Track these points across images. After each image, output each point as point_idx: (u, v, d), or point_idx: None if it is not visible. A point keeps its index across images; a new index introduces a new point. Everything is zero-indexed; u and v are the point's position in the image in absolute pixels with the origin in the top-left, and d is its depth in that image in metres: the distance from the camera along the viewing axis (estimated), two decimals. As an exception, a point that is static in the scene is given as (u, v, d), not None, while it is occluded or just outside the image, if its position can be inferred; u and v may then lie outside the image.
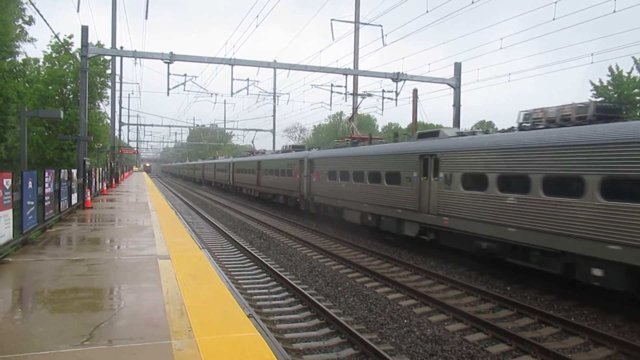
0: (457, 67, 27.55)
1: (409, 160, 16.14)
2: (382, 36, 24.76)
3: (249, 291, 11.43)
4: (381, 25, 25.71)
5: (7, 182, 8.22)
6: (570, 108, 11.92)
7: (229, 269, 13.65)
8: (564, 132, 10.94)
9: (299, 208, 26.47)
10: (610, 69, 32.32)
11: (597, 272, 9.76)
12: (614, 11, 15.83)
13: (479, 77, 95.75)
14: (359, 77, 31.63)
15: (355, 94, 32.52)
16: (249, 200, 38.15)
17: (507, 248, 12.12)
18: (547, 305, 10.75)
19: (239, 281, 12.36)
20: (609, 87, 32.46)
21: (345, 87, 28.13)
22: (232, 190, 44.84)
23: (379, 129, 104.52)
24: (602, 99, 32.59)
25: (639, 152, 9.02)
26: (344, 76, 27.42)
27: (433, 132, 16.64)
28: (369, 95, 29.24)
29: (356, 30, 33.39)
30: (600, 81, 33.02)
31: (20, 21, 28.63)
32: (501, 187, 12.21)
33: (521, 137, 12.13)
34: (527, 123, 13.08)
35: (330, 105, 30.35)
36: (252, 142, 68.32)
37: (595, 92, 33.11)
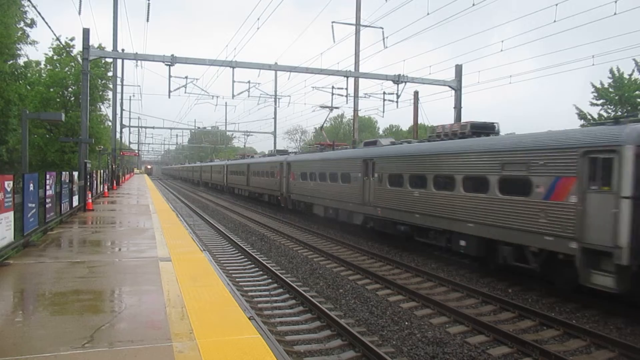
0: (458, 69, 27.56)
1: (356, 164, 20.31)
2: (383, 38, 24.78)
3: (250, 293, 11.42)
4: (382, 28, 25.77)
5: (9, 185, 8.22)
6: (457, 125, 15.83)
7: (230, 271, 13.64)
8: (445, 144, 15.09)
9: (280, 205, 30.79)
10: (611, 71, 32.30)
11: (462, 242, 13.77)
12: (615, 13, 15.82)
13: (481, 79, 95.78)
14: (360, 79, 31.63)
15: (356, 96, 32.54)
16: (250, 202, 38.16)
17: (415, 230, 16.23)
18: (549, 308, 10.73)
19: (240, 283, 12.35)
20: (610, 89, 32.44)
21: (347, 89, 28.16)
22: (226, 191, 49.90)
23: (380, 131, 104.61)
24: (603, 100, 32.60)
25: (479, 158, 13.20)
26: (345, 78, 27.45)
27: (373, 142, 21.22)
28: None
29: (357, 32, 33.42)
30: (602, 83, 33.00)
31: (22, 24, 28.71)
32: (411, 184, 16.31)
33: (422, 146, 16.51)
34: (432, 135, 17.02)
35: (331, 107, 30.37)
36: (244, 145, 68.53)
37: (596, 94, 33.09)
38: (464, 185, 13.60)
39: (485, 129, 14.92)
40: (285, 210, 29.15)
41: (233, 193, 45.83)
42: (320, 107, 30.34)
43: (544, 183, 10.99)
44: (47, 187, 11.84)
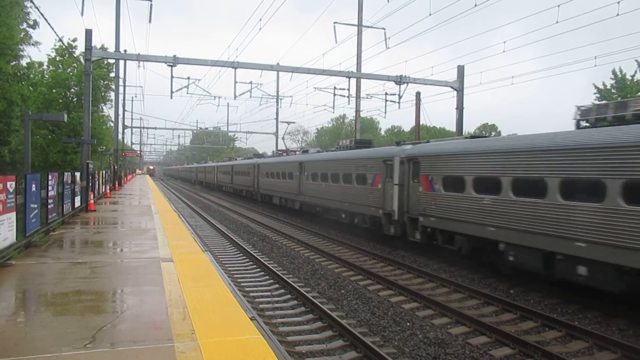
0: (460, 70, 27.54)
1: (294, 165, 28.04)
2: (385, 39, 24.80)
3: (251, 294, 11.43)
4: (384, 28, 25.77)
5: (11, 185, 8.24)
6: (348, 140, 24.95)
7: (232, 272, 13.65)
8: (338, 153, 23.84)
9: (253, 198, 37.29)
10: (613, 72, 32.28)
11: (343, 215, 21.68)
12: (617, 14, 15.81)
13: (483, 80, 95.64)
14: (362, 80, 31.65)
15: (357, 97, 32.55)
16: (252, 204, 38.19)
17: (333, 212, 22.90)
18: (551, 309, 10.71)
19: (242, 284, 12.36)
20: (612, 90, 32.40)
21: (348, 89, 28.17)
22: (216, 188, 54.69)
23: (382, 132, 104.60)
24: (605, 102, 32.52)
25: (348, 162, 21.03)
26: (347, 79, 27.46)
27: (306, 150, 31.39)
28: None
29: (359, 33, 33.43)
30: (604, 84, 32.97)
31: (25, 25, 28.75)
32: (322, 179, 23.69)
33: (328, 154, 25.26)
34: (338, 147, 25.53)
35: (333, 108, 30.41)
36: (232, 147, 68.72)
37: (598, 96, 33.05)
38: (344, 179, 21.44)
39: (363, 144, 23.61)
40: (292, 210, 31.43)
41: (222, 190, 52.29)
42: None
43: (370, 177, 18.99)
44: (49, 187, 11.86)
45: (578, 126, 12.24)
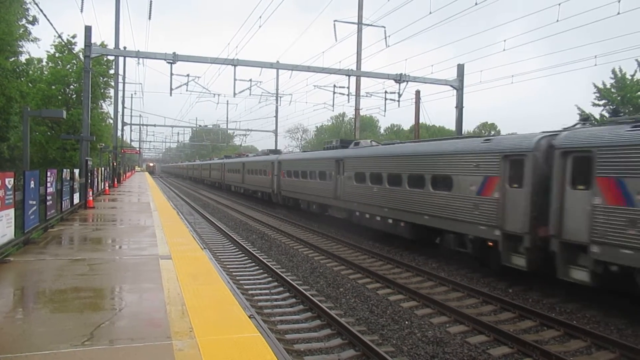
0: (460, 68, 27.52)
1: (268, 164, 32.68)
2: (385, 37, 24.75)
3: (250, 292, 11.42)
4: (384, 27, 25.68)
5: (10, 182, 8.22)
6: (335, 140, 26.26)
7: (231, 270, 13.64)
8: (323, 153, 25.46)
9: (271, 201, 34.60)
10: (613, 71, 32.22)
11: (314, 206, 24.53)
12: (618, 13, 15.79)
13: (483, 79, 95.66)
14: (362, 78, 31.62)
15: (357, 95, 32.51)
16: (251, 201, 38.17)
17: (301, 200, 26.44)
18: (549, 308, 10.71)
19: (241, 282, 12.35)
20: (612, 90, 32.36)
21: (348, 88, 28.14)
22: (224, 188, 52.67)
23: (382, 130, 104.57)
24: (605, 101, 32.53)
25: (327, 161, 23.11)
26: (347, 77, 27.42)
27: (276, 151, 38.67)
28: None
29: (359, 31, 33.38)
30: (604, 84, 32.92)
31: (24, 21, 28.68)
32: (302, 176, 26.52)
33: (312, 154, 28.58)
34: (325, 147, 27.34)
35: (333, 106, 30.36)
36: (241, 144, 69.28)
37: (598, 95, 33.01)
38: (318, 175, 24.00)
39: (348, 143, 23.72)
40: (277, 206, 32.44)
41: (231, 191, 48.74)
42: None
43: (326, 171, 22.90)
44: (48, 184, 11.84)
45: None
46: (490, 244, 12.58)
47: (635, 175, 9.16)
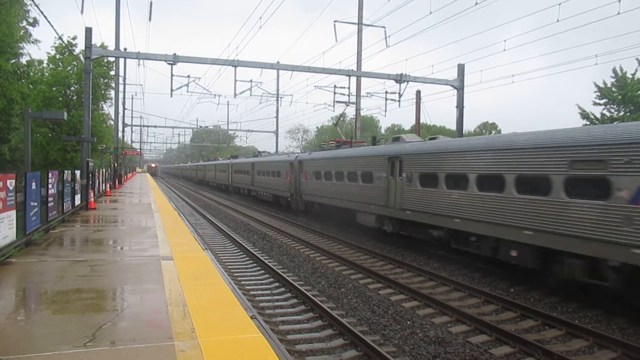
0: (461, 68, 27.52)
1: (286, 165, 29.82)
2: (386, 37, 24.74)
3: (251, 292, 11.42)
4: (384, 27, 25.67)
5: (11, 183, 8.23)
6: (333, 140, 28.14)
7: (232, 270, 13.65)
8: (332, 152, 24.76)
9: (290, 207, 30.22)
10: (614, 70, 32.20)
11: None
12: (618, 13, 15.78)
13: (484, 79, 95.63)
14: (362, 79, 31.62)
15: (358, 95, 32.51)
16: (252, 202, 38.18)
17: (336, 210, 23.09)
18: (551, 307, 10.70)
19: (242, 282, 12.35)
20: (613, 89, 32.33)
21: (349, 88, 28.15)
22: (231, 191, 48.85)
23: (382, 130, 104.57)
24: (606, 100, 32.51)
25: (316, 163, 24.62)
26: (347, 77, 27.43)
27: (260, 153, 42.36)
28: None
29: (359, 31, 33.37)
30: (605, 83, 32.89)
31: (25, 22, 28.74)
32: (329, 177, 25.35)
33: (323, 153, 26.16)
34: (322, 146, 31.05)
35: (334, 106, 30.36)
36: (253, 146, 68.60)
37: (599, 94, 32.99)
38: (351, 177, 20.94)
39: (344, 144, 26.07)
40: (288, 209, 29.87)
41: (239, 193, 45.55)
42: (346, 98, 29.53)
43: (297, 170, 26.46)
44: (50, 186, 11.85)
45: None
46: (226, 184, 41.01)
47: (416, 170, 15.95)
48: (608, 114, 32.44)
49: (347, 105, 30.05)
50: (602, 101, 32.93)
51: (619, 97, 31.84)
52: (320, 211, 24.74)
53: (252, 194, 39.20)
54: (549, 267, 11.21)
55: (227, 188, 47.30)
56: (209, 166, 64.16)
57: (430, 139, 17.55)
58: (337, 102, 29.39)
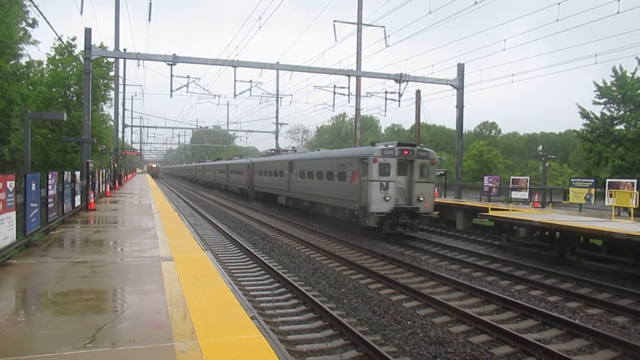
0: (460, 68, 27.52)
1: (244, 166, 41.76)
2: (385, 37, 24.75)
3: (252, 293, 11.42)
4: (384, 27, 25.68)
5: (11, 185, 8.22)
6: (272, 150, 41.58)
7: (232, 271, 13.64)
8: (266, 157, 39.62)
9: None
10: (614, 69, 32.15)
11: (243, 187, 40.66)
12: (618, 12, 15.78)
13: (484, 78, 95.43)
14: (362, 78, 31.60)
15: (358, 95, 32.51)
16: (253, 202, 38.20)
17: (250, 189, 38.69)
18: (552, 307, 10.71)
19: (242, 283, 12.35)
20: (613, 88, 32.29)
21: (348, 88, 28.15)
22: (251, 196, 47.75)
23: (382, 130, 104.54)
24: (606, 99, 32.45)
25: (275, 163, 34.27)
26: (347, 77, 27.42)
27: (218, 158, 72.33)
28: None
29: (359, 31, 33.37)
30: (604, 82, 32.84)
31: (24, 23, 28.73)
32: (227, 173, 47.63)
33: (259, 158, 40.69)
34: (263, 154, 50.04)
35: (334, 106, 30.38)
36: (260, 148, 68.82)
37: (599, 93, 32.94)
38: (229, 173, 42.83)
39: (280, 151, 36.30)
40: (287, 208, 32.10)
41: (260, 199, 45.25)
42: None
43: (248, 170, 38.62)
44: (50, 187, 11.83)
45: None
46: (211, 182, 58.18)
47: (298, 169, 27.80)
48: (608, 113, 32.41)
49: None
50: (601, 100, 32.87)
51: (619, 96, 31.79)
52: (262, 197, 36.94)
53: (228, 188, 51.70)
54: (337, 215, 23.08)
55: (244, 192, 47.42)
56: (219, 167, 64.15)
57: (318, 150, 32.67)
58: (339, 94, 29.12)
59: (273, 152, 40.74)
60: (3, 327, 5.06)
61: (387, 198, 19.16)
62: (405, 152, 19.82)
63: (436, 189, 24.18)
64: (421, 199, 19.79)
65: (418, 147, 20.60)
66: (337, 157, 23.95)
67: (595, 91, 33.13)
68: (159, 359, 4.13)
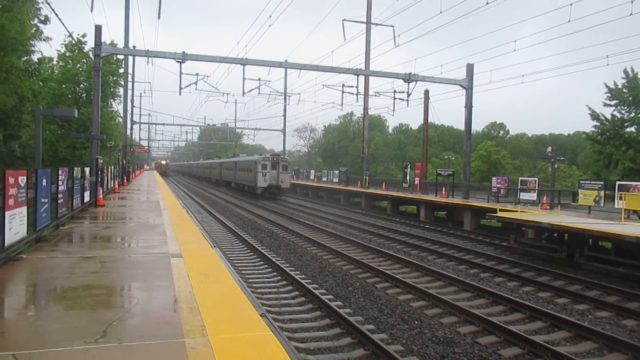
0: (470, 68, 27.41)
1: (218, 164, 66.17)
2: (394, 37, 24.71)
3: (259, 290, 11.44)
4: (393, 26, 25.63)
5: (22, 180, 8.28)
6: (232, 155, 67.75)
7: (240, 268, 13.68)
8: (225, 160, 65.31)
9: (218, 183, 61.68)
10: (625, 71, 31.92)
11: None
12: (631, 13, 15.65)
13: (494, 79, 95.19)
14: (371, 78, 31.56)
15: (366, 95, 32.46)
16: (260, 200, 38.27)
17: (221, 180, 61.66)
18: (560, 309, 10.65)
19: (250, 280, 12.38)
20: (624, 90, 32.06)
21: (357, 87, 28.12)
22: (204, 179, 77.61)
23: (390, 130, 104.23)
24: (616, 101, 32.24)
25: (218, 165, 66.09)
26: (356, 76, 27.39)
27: (208, 157, 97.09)
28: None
29: (368, 30, 33.32)
30: (615, 84, 32.61)
31: (36, 20, 28.93)
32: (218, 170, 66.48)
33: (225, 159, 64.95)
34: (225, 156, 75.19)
35: (342, 105, 30.38)
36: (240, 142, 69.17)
37: (609, 95, 32.71)
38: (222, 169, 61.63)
39: (234, 155, 60.79)
40: (218, 185, 59.89)
41: (207, 180, 74.71)
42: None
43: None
44: (60, 182, 11.92)
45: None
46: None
47: (223, 167, 61.65)
48: (618, 115, 32.17)
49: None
50: (612, 102, 32.66)
51: (630, 98, 31.58)
52: (224, 184, 57.31)
53: (215, 180, 65.40)
54: (244, 188, 45.71)
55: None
56: (243, 164, 69.42)
57: (233, 155, 62.83)
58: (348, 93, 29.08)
59: (232, 155, 64.39)
60: (16, 321, 5.11)
61: (265, 180, 40.18)
62: (274, 159, 41.02)
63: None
64: (282, 181, 40.87)
65: (281, 157, 42.77)
66: (246, 160, 47.00)
67: (606, 93, 32.92)
68: (170, 354, 4.15)
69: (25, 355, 4.05)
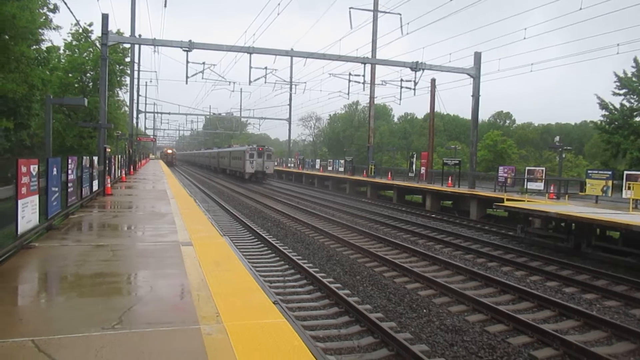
0: (477, 56, 27.22)
1: (215, 153, 75.25)
2: (401, 25, 24.56)
3: (268, 278, 11.51)
4: (400, 14, 25.45)
5: (34, 169, 8.34)
6: (228, 145, 75.22)
7: (247, 257, 13.75)
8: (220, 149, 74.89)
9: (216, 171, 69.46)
10: (635, 60, 31.59)
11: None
12: (641, 0, 15.46)
13: (502, 67, 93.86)
14: (377, 66, 31.41)
15: (372, 83, 32.34)
16: (266, 190, 38.33)
17: (218, 168, 69.22)
18: (569, 298, 10.68)
19: (258, 268, 12.44)
20: (633, 79, 31.76)
21: (364, 76, 28.00)
22: (204, 166, 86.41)
23: (395, 119, 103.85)
24: (626, 90, 31.97)
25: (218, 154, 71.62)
26: (362, 65, 27.28)
27: (208, 147, 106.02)
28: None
29: (375, 19, 33.11)
30: (625, 73, 32.31)
31: (45, 9, 28.90)
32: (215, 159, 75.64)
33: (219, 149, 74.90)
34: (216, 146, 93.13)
35: (348, 94, 30.29)
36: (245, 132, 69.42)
37: (619, 84, 32.43)
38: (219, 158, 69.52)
39: (226, 146, 72.02)
40: (216, 172, 67.90)
41: (207, 168, 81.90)
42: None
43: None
44: (69, 171, 11.98)
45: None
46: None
47: (219, 156, 70.17)
48: (628, 104, 31.92)
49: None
50: (621, 91, 32.38)
51: (639, 87, 31.29)
52: (221, 171, 62.88)
53: (214, 168, 71.55)
54: (235, 174, 53.97)
55: (177, 163, 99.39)
56: (181, 154, 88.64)
57: (229, 145, 71.88)
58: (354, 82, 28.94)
59: (228, 146, 70.49)
60: (33, 308, 5.18)
61: (252, 167, 47.53)
62: (260, 149, 48.40)
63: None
64: (267, 168, 48.15)
65: (265, 147, 49.77)
66: (237, 150, 54.34)
67: (615, 82, 32.64)
68: (187, 340, 4.21)
69: (44, 341, 4.12)
